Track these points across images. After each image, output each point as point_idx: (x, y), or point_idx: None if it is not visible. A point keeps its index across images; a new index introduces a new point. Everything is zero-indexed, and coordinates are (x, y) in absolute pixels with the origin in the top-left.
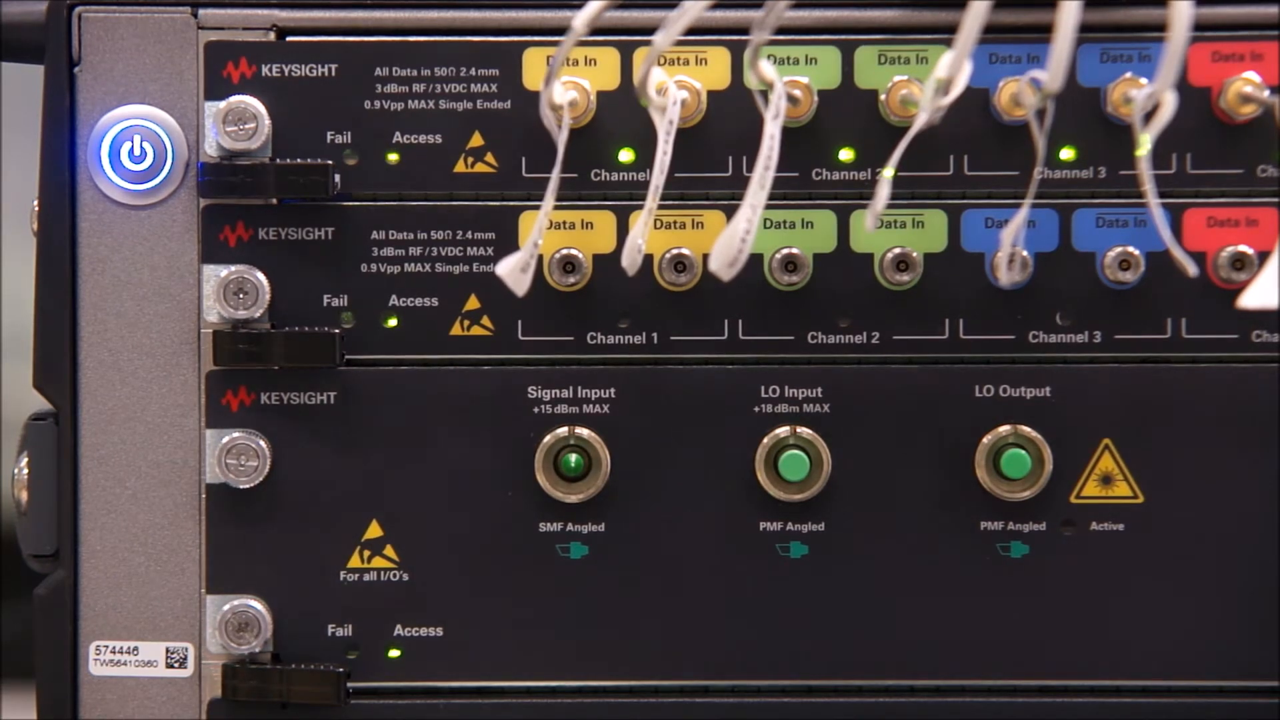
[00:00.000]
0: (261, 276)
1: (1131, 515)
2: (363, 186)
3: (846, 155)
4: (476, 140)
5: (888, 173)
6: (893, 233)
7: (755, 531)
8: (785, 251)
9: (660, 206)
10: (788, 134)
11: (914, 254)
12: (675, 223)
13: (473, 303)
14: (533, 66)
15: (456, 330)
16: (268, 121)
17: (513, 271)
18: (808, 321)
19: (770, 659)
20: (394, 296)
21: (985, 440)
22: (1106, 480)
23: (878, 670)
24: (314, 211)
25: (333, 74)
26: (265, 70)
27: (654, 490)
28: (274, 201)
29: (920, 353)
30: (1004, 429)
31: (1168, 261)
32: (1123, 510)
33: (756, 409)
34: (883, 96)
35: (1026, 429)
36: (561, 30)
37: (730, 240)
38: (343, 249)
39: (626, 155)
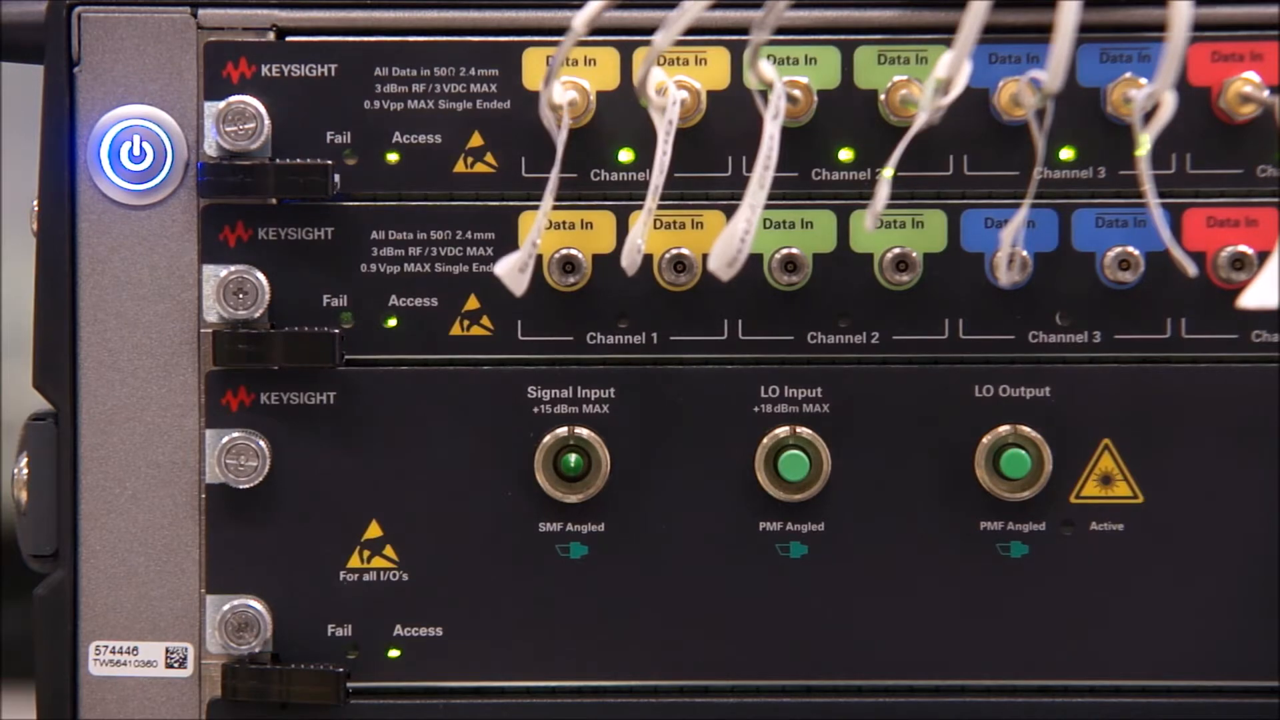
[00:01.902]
0: (261, 276)
1: (1131, 515)
2: (363, 186)
3: (846, 155)
4: (476, 140)
5: (887, 173)
6: (893, 233)
7: (755, 531)
8: (785, 251)
9: (660, 206)
10: (788, 134)
11: (914, 254)
12: (675, 223)
13: (472, 303)
14: (533, 66)
15: (456, 330)
16: (267, 121)
17: (511, 271)
18: (808, 321)
19: (770, 659)
20: (394, 296)
21: (985, 440)
22: (1106, 480)
23: (877, 670)
24: (314, 211)
25: (333, 74)
26: (265, 70)
27: (654, 490)
28: (274, 201)
29: (920, 353)
30: (1004, 429)
31: (1167, 261)
32: (1123, 510)
33: (756, 409)
34: (882, 96)
35: (1026, 429)
36: (561, 30)
37: (730, 240)
38: (343, 249)
39: (626, 155)
